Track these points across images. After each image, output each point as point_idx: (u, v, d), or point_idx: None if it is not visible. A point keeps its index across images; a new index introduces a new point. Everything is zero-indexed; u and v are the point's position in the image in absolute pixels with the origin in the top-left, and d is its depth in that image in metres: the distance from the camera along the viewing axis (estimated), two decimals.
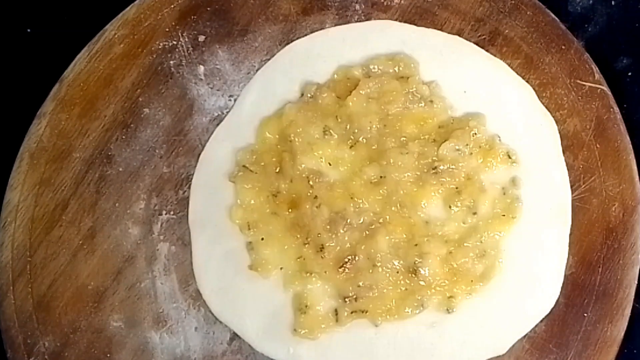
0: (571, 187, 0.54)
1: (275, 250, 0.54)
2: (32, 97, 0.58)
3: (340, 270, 0.53)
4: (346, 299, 0.53)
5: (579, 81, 0.55)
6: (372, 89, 0.56)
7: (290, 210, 0.54)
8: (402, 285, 0.53)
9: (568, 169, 0.54)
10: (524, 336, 0.53)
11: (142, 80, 0.58)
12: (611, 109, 0.56)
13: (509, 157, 0.55)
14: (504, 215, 0.54)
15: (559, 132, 0.55)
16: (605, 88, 0.56)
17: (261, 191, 0.55)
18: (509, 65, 0.56)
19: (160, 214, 0.56)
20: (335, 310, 0.53)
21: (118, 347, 0.54)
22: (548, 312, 0.53)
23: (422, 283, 0.53)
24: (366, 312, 0.53)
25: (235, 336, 0.54)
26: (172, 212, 0.56)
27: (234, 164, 0.56)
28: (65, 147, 0.57)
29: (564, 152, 0.55)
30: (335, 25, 0.58)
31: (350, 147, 0.55)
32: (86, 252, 0.56)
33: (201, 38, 0.58)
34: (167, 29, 0.58)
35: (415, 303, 0.53)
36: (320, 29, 0.58)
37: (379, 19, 0.58)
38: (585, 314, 0.53)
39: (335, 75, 0.57)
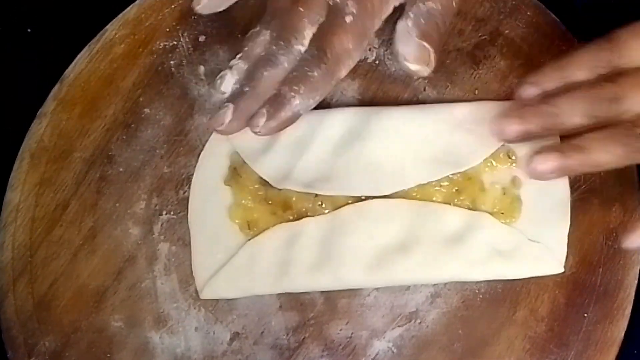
0: (572, 187, 0.54)
1: None
2: (32, 96, 0.58)
3: None
4: None
5: None
6: None
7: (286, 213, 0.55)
8: None
9: None
10: (525, 336, 0.53)
11: (143, 80, 0.58)
12: None
13: (509, 157, 0.55)
14: (502, 213, 0.54)
15: None
16: None
17: (254, 193, 0.55)
18: (509, 66, 0.56)
19: (161, 214, 0.56)
20: None
21: (119, 346, 0.55)
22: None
23: None
24: None
25: (235, 336, 0.54)
26: (172, 212, 0.56)
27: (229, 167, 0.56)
28: (66, 146, 0.57)
29: None
30: None
31: None
32: (87, 252, 0.56)
33: (202, 38, 0.59)
34: (168, 29, 0.59)
35: None
36: None
37: None
38: (586, 314, 0.53)
39: None
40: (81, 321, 0.55)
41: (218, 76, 0.52)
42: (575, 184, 0.54)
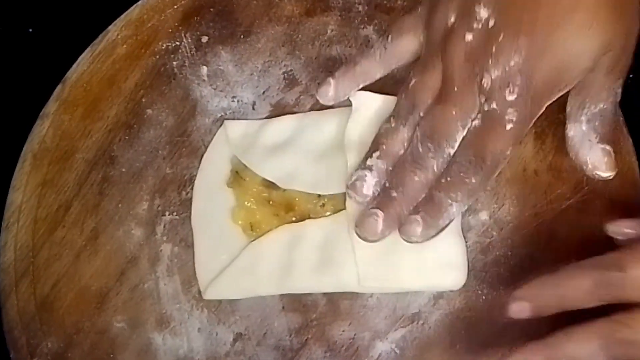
0: (574, 189, 0.54)
1: None
2: (34, 97, 0.58)
3: None
4: None
5: None
6: None
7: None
8: None
9: (571, 171, 0.54)
10: (527, 337, 0.53)
11: (145, 81, 0.58)
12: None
13: None
14: None
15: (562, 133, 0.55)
16: None
17: (257, 195, 0.55)
18: None
19: (163, 215, 0.56)
20: None
21: (121, 347, 0.55)
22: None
23: None
24: None
25: (238, 337, 0.54)
26: (175, 213, 0.56)
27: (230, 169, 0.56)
28: (68, 148, 0.57)
29: (566, 153, 0.55)
30: (339, 26, 0.58)
31: None
32: (89, 253, 0.56)
33: (204, 39, 0.59)
34: (170, 30, 0.59)
35: None
36: (323, 31, 0.58)
37: (382, 20, 0.58)
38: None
39: None
40: (84, 322, 0.55)
41: (355, 177, 0.50)
42: (578, 185, 0.55)
